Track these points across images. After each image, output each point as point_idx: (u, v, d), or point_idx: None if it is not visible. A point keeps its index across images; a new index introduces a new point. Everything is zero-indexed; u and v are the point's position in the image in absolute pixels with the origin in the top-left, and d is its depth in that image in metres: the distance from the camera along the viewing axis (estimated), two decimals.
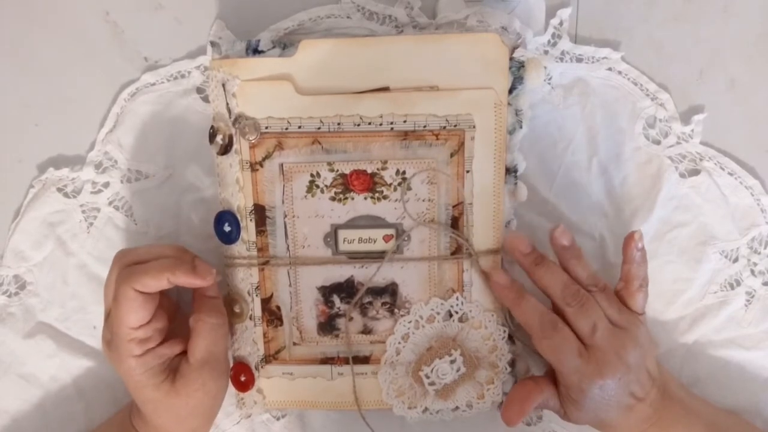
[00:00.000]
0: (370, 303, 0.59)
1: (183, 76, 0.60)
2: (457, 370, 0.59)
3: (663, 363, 0.61)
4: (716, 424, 0.58)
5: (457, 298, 0.59)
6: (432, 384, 0.59)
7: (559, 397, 0.57)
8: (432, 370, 0.59)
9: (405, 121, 0.56)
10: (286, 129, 0.56)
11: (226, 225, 0.58)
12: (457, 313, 0.59)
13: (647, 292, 0.57)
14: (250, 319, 0.60)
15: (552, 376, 0.58)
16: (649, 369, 0.55)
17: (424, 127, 0.56)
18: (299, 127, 0.56)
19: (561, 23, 0.59)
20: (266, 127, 0.56)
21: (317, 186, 0.57)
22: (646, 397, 0.55)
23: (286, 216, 0.58)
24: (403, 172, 0.57)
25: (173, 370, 0.56)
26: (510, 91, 0.56)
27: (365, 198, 0.57)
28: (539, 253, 0.57)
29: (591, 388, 0.54)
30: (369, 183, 0.57)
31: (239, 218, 0.58)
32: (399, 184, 0.57)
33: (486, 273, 0.58)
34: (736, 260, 0.62)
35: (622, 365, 0.54)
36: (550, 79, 0.60)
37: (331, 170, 0.57)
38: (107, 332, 0.55)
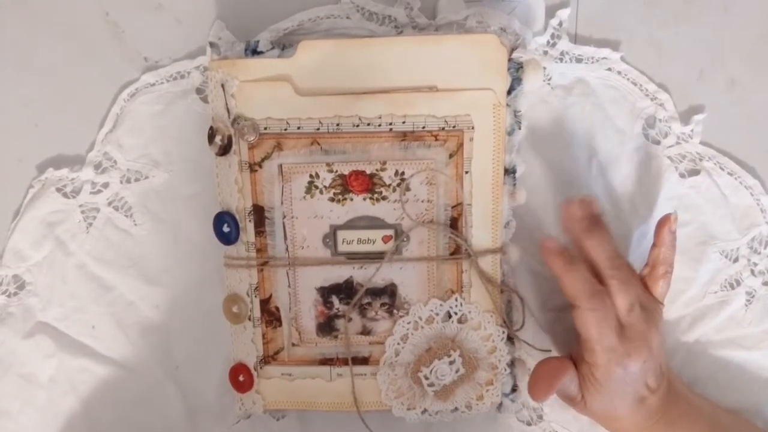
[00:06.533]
0: (369, 304, 0.59)
1: (183, 77, 0.60)
2: (456, 371, 0.59)
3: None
4: (719, 422, 0.58)
5: (456, 299, 0.59)
6: (431, 385, 0.59)
7: (580, 380, 0.57)
8: (431, 371, 0.59)
9: (404, 122, 0.56)
10: (285, 130, 0.56)
11: (225, 226, 0.58)
12: (456, 314, 0.59)
13: (670, 281, 0.57)
14: (249, 320, 0.60)
15: (571, 359, 0.58)
16: (661, 362, 0.55)
17: (423, 127, 0.56)
18: (298, 128, 0.56)
19: (560, 23, 0.59)
20: (265, 128, 0.56)
21: (316, 187, 0.57)
22: (658, 390, 0.55)
23: (285, 217, 0.58)
24: (402, 173, 0.57)
25: None
26: (509, 92, 0.56)
27: (364, 199, 0.57)
28: (599, 218, 0.56)
29: (618, 370, 0.53)
30: (368, 184, 0.57)
31: (238, 219, 0.58)
32: (398, 184, 0.57)
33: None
34: (736, 260, 0.62)
35: (647, 349, 0.54)
36: (549, 79, 0.60)
37: (330, 171, 0.57)
38: None
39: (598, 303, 0.53)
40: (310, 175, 0.57)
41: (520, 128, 0.57)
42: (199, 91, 0.61)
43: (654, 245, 0.57)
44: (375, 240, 0.58)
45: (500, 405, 0.61)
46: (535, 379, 0.57)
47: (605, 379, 0.54)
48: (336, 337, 0.60)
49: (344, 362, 0.61)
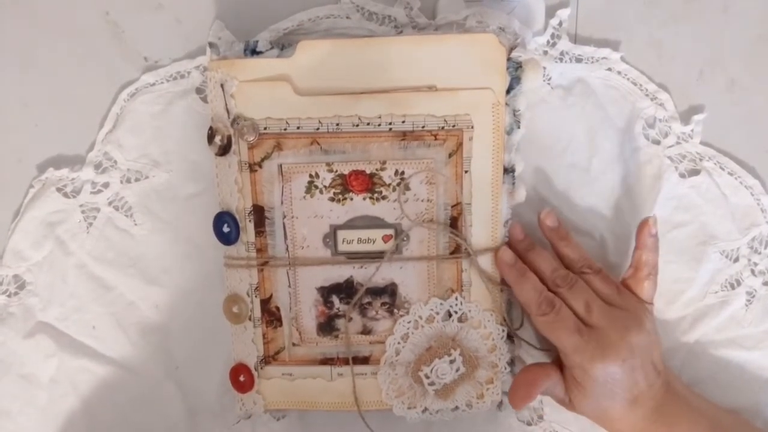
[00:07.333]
0: (370, 303, 0.59)
1: (182, 77, 0.61)
2: (457, 370, 0.59)
3: (664, 362, 0.61)
4: (719, 423, 0.58)
5: (456, 298, 0.59)
6: (432, 384, 0.59)
7: (565, 384, 0.57)
8: (431, 370, 0.59)
9: (403, 122, 0.56)
10: (285, 130, 0.56)
11: (225, 226, 0.58)
12: (456, 312, 0.59)
13: (656, 281, 0.57)
14: (250, 320, 0.60)
15: (558, 363, 0.58)
16: (655, 361, 0.55)
17: (423, 127, 0.56)
18: (298, 128, 0.56)
19: (560, 23, 0.59)
20: (265, 128, 0.56)
21: (316, 186, 0.57)
22: (651, 390, 0.55)
23: (285, 217, 0.58)
24: (402, 173, 0.57)
25: None
26: (508, 92, 0.56)
27: (364, 198, 0.57)
28: (531, 240, 0.58)
29: (594, 370, 0.53)
30: (368, 183, 0.57)
31: (238, 219, 0.58)
32: (398, 184, 0.57)
33: (495, 250, 0.58)
34: (736, 260, 0.62)
35: (626, 347, 0.53)
36: (549, 79, 0.60)
37: (330, 171, 0.57)
38: None
39: (547, 308, 0.55)
40: (310, 175, 0.57)
41: (519, 127, 0.57)
42: (199, 91, 0.61)
43: (636, 248, 0.58)
44: (375, 239, 0.58)
45: (501, 404, 0.61)
46: (515, 387, 0.58)
47: (585, 380, 0.54)
48: (336, 336, 0.60)
49: (345, 362, 0.61)
